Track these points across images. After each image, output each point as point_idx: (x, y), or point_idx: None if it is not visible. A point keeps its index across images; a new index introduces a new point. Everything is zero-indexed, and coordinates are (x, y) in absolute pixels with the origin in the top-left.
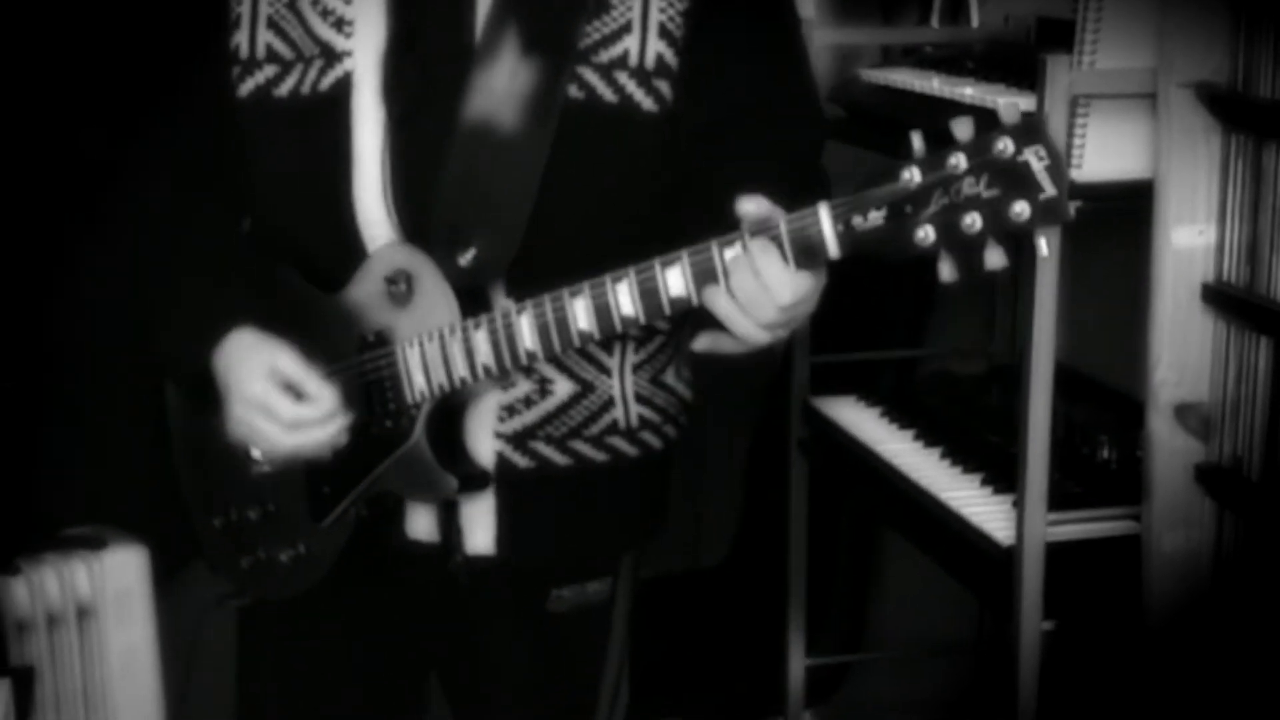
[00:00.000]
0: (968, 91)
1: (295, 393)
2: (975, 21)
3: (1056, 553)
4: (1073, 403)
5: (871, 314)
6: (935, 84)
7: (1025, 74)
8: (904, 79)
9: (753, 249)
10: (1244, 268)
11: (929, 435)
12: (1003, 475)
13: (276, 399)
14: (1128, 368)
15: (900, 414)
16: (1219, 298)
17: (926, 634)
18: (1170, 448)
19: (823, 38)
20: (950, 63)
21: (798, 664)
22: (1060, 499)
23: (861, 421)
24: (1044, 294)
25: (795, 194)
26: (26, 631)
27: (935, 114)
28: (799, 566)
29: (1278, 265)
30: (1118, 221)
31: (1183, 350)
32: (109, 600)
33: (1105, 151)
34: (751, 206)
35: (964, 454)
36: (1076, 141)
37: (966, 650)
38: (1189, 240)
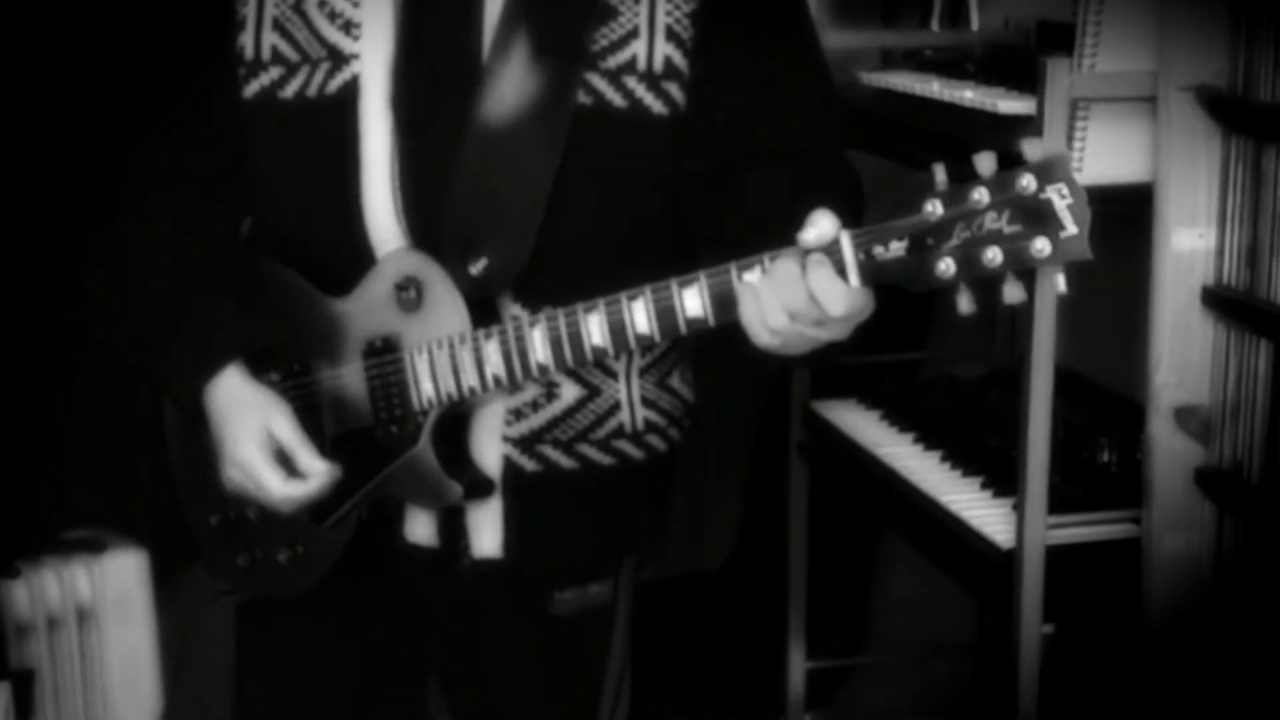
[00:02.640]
0: (968, 94)
1: (287, 463)
2: (975, 24)
3: (1056, 556)
4: (1073, 406)
5: (872, 317)
6: (935, 87)
7: (1025, 77)
8: (904, 82)
9: (809, 264)
10: (1244, 271)
11: (929, 438)
12: (1003, 478)
13: (267, 473)
14: (1128, 371)
15: (900, 417)
16: (1219, 301)
17: (927, 637)
18: (1170, 451)
19: (822, 41)
20: (950, 66)
21: (798, 667)
22: (1060, 502)
23: (862, 425)
24: (1044, 297)
25: (818, 192)
26: (26, 634)
27: (935, 117)
28: (799, 569)
29: (1278, 268)
30: (1118, 225)
31: (1183, 353)
32: (109, 603)
33: (1105, 155)
34: (813, 234)
35: (964, 457)
36: (1076, 145)
37: (967, 653)
38: (1189, 243)
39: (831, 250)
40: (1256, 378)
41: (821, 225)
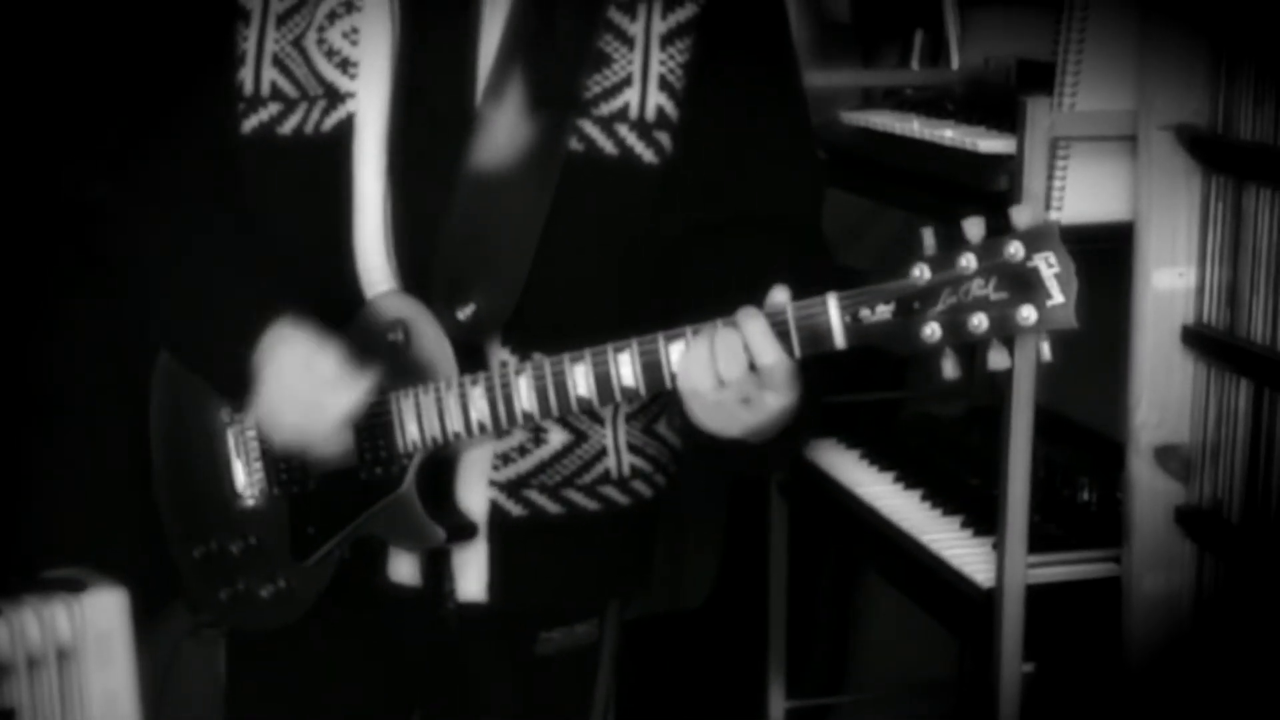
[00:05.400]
0: (948, 134)
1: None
2: (955, 63)
3: (1037, 595)
4: (1053, 445)
5: (852, 356)
6: (915, 126)
7: (1005, 116)
8: (884, 121)
9: (744, 317)
10: (1224, 310)
11: (909, 477)
12: (983, 517)
13: (322, 357)
14: (1108, 410)
15: (880, 456)
16: (1199, 340)
17: (907, 676)
18: (1150, 490)
19: (804, 80)
20: (930, 105)
21: (778, 706)
22: (1040, 541)
23: (842, 464)
24: (1024, 337)
25: (788, 270)
26: (6, 674)
27: (914, 156)
28: (779, 608)
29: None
30: (1098, 263)
31: (1163, 392)
32: (89, 643)
33: (1085, 194)
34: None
35: (944, 496)
36: (1056, 184)
37: (947, 692)
38: (1169, 282)
39: (778, 319)
40: (1237, 417)
41: (775, 299)
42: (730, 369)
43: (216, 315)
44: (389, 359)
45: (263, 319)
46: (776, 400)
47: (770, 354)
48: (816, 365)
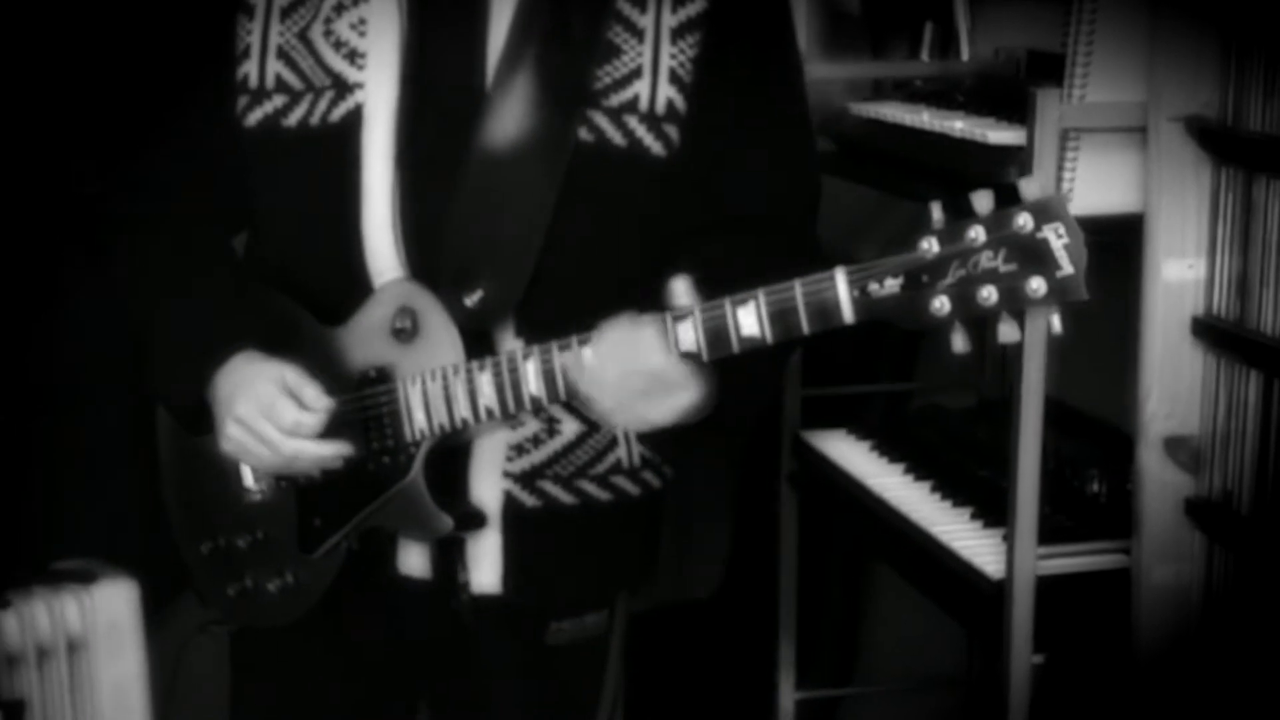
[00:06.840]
0: (958, 125)
1: (298, 401)
2: (965, 55)
3: (1047, 586)
4: (1063, 436)
5: (862, 347)
6: (925, 117)
7: (1015, 107)
8: (894, 112)
9: (641, 320)
10: (1234, 301)
11: (919, 469)
12: (993, 509)
13: (282, 402)
14: (1118, 401)
15: (890, 448)
16: (1209, 331)
17: (917, 667)
18: (1160, 481)
19: (813, 71)
20: (940, 96)
21: (788, 697)
22: (1050, 533)
23: (851, 455)
24: (1034, 327)
25: (787, 248)
26: (17, 665)
27: (925, 147)
28: (789, 600)
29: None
30: (1108, 255)
31: (1173, 384)
32: (99, 634)
33: (1095, 185)
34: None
35: (954, 488)
36: (1066, 175)
37: (957, 683)
38: (1179, 274)
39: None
40: (1246, 408)
41: (677, 293)
42: (623, 364)
43: (172, 331)
44: (395, 347)
45: (220, 349)
46: (685, 396)
47: (655, 357)
48: (750, 359)
